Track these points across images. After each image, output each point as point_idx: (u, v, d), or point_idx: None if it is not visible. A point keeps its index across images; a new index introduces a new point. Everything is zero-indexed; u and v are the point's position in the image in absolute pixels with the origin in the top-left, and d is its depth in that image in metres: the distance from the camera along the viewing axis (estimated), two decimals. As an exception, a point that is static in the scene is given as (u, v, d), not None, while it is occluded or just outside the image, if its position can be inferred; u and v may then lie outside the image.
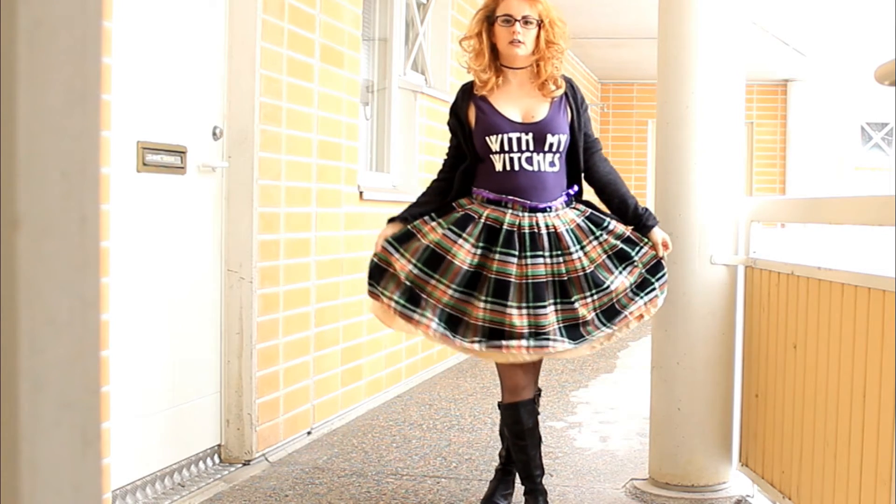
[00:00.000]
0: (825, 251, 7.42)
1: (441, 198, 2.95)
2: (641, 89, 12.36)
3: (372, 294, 2.89)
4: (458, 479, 3.50)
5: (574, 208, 2.91)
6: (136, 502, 3.06)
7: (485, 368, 5.70)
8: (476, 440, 4.07)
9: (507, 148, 2.82)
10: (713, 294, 3.26)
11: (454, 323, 2.78)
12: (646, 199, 11.25)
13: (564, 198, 2.89)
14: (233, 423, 3.60)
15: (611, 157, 3.15)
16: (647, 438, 3.52)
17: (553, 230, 2.80)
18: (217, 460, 3.59)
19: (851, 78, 11.59)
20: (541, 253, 2.77)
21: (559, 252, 2.79)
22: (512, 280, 2.73)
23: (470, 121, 2.90)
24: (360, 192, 4.59)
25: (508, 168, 2.83)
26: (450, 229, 2.82)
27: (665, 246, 2.93)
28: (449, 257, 2.78)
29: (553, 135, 2.84)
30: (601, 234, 2.86)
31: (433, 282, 2.78)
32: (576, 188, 2.95)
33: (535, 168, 2.83)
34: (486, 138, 2.84)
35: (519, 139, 2.82)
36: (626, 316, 2.82)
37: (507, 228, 2.78)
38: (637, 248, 2.88)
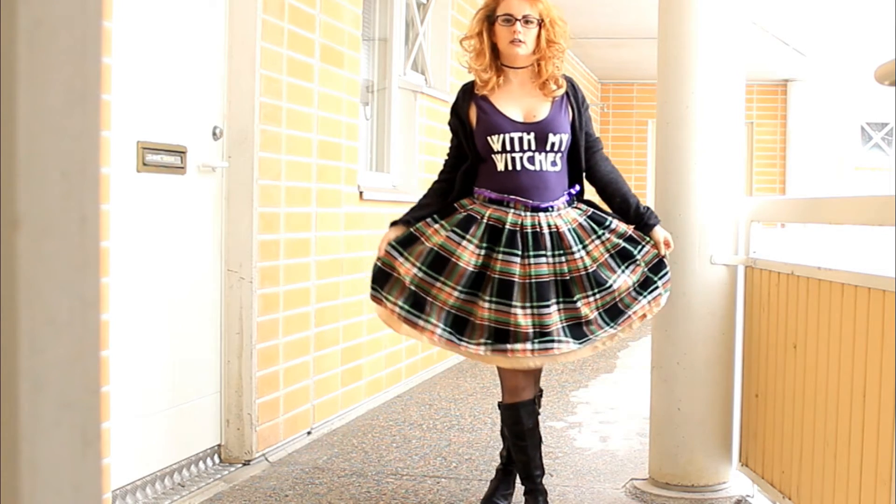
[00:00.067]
0: (825, 251, 7.42)
1: (442, 199, 2.94)
2: (641, 89, 12.36)
3: (375, 299, 2.88)
4: (458, 479, 3.50)
5: (576, 208, 2.91)
6: (136, 502, 3.06)
7: (485, 369, 5.70)
8: (476, 440, 4.07)
9: (508, 148, 2.82)
10: (713, 294, 3.26)
11: (460, 324, 2.78)
12: (646, 199, 11.25)
13: (566, 197, 2.89)
14: (233, 423, 3.60)
15: (611, 157, 3.15)
16: (647, 438, 3.52)
17: (555, 230, 2.80)
18: (217, 460, 3.59)
19: (851, 78, 11.59)
20: (543, 252, 2.77)
21: (561, 251, 2.79)
22: (515, 280, 2.73)
23: (471, 120, 2.90)
24: (360, 192, 4.59)
25: (510, 168, 2.82)
26: (453, 231, 2.82)
27: (667, 245, 2.93)
28: (454, 259, 2.77)
29: (555, 134, 2.84)
30: (603, 233, 2.86)
31: (438, 284, 2.78)
32: (577, 188, 2.95)
33: (537, 168, 2.83)
34: (488, 138, 2.83)
35: (521, 139, 2.82)
36: (629, 316, 2.82)
37: (509, 228, 2.78)
38: (639, 247, 2.88)
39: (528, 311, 2.72)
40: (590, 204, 2.95)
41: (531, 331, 2.71)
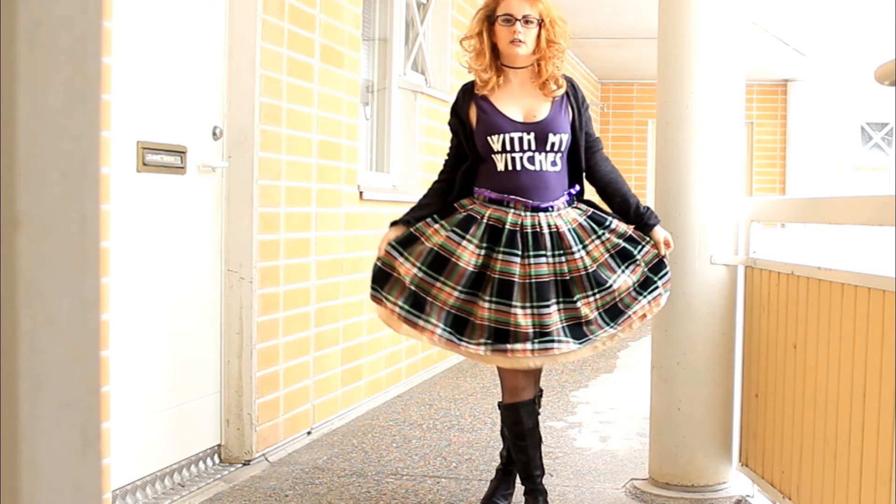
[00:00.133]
0: (825, 251, 7.42)
1: (442, 199, 2.94)
2: (641, 89, 12.36)
3: (375, 299, 2.88)
4: (458, 479, 3.50)
5: (576, 208, 2.91)
6: (136, 502, 3.06)
7: (485, 368, 5.70)
8: (476, 440, 4.07)
9: (508, 148, 2.82)
10: (713, 294, 3.26)
11: (460, 324, 2.78)
12: (646, 199, 11.25)
13: (566, 197, 2.89)
14: (233, 423, 3.60)
15: (611, 157, 3.15)
16: (647, 438, 3.52)
17: (555, 230, 2.80)
18: (217, 460, 3.59)
19: (851, 78, 11.59)
20: (543, 252, 2.77)
21: (561, 251, 2.79)
22: (515, 280, 2.73)
23: (471, 120, 2.90)
24: (360, 192, 4.59)
25: (510, 168, 2.82)
26: (453, 231, 2.82)
27: (667, 244, 2.93)
28: (454, 259, 2.77)
29: (555, 134, 2.84)
30: (603, 233, 2.86)
31: (438, 284, 2.78)
32: (577, 188, 2.95)
33: (537, 168, 2.83)
34: (488, 138, 2.83)
35: (521, 139, 2.82)
36: (629, 316, 2.82)
37: (509, 228, 2.77)
38: (639, 247, 2.88)
39: (528, 311, 2.72)
40: (590, 204, 2.95)
41: (531, 331, 2.71)
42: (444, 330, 2.77)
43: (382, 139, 5.25)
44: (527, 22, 2.84)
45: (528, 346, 2.70)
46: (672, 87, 3.31)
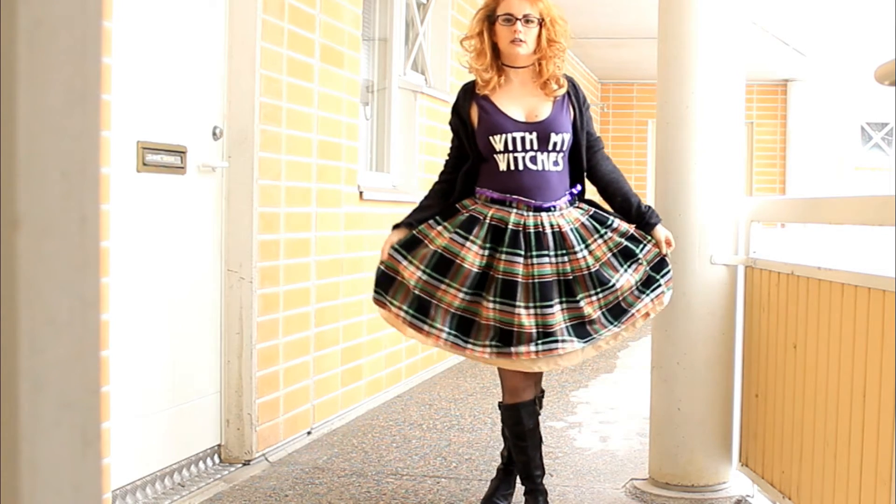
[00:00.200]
0: (825, 251, 7.42)
1: (444, 200, 2.94)
2: (641, 89, 12.36)
3: (379, 302, 2.88)
4: (458, 479, 3.50)
5: (578, 207, 2.91)
6: (136, 502, 3.06)
7: (485, 368, 5.70)
8: (476, 440, 4.07)
9: (511, 147, 2.82)
10: (713, 294, 3.26)
11: (466, 326, 2.78)
12: (646, 199, 11.24)
13: (568, 197, 2.89)
14: (233, 423, 3.60)
15: (611, 156, 3.15)
16: (647, 438, 3.52)
17: (557, 229, 2.80)
18: (217, 460, 3.59)
19: (851, 78, 11.59)
20: (546, 252, 2.77)
21: (564, 251, 2.79)
22: (519, 280, 2.73)
23: (473, 120, 2.89)
24: (360, 192, 4.59)
25: (512, 167, 2.82)
26: (456, 232, 2.81)
27: (668, 243, 2.93)
28: (458, 261, 2.77)
29: (557, 134, 2.84)
30: (606, 233, 2.86)
31: (443, 286, 2.77)
32: (579, 187, 2.95)
33: (540, 167, 2.83)
34: (490, 138, 2.83)
35: (523, 138, 2.82)
36: (633, 314, 2.82)
37: (512, 228, 2.77)
38: (641, 246, 2.88)
39: (532, 311, 2.72)
40: (591, 203, 2.95)
41: (534, 331, 2.71)
42: (450, 334, 2.77)
43: (382, 139, 5.25)
44: (527, 21, 2.84)
45: (532, 347, 2.70)
46: (672, 87, 3.31)
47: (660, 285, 2.88)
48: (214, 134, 3.50)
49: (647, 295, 2.85)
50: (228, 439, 3.60)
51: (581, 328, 2.77)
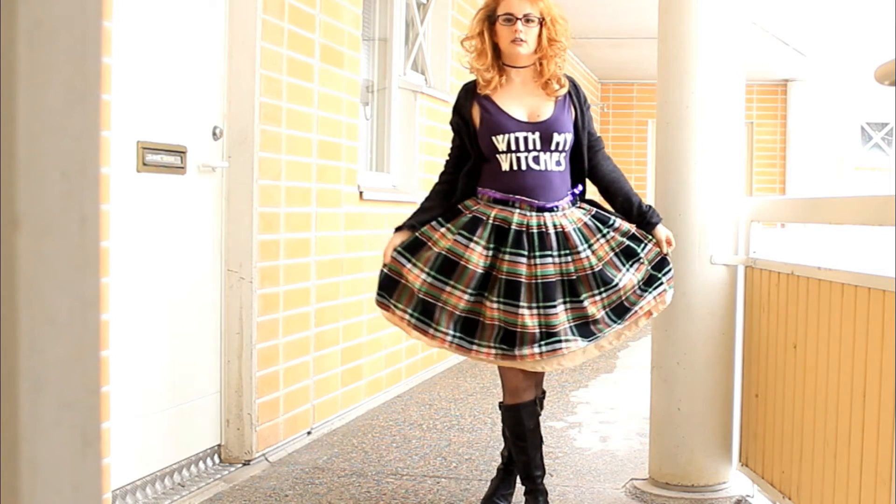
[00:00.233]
0: (825, 251, 7.42)
1: (446, 201, 2.93)
2: (641, 89, 12.36)
3: (382, 305, 2.87)
4: (458, 479, 3.50)
5: (580, 207, 2.91)
6: (136, 502, 3.06)
7: (485, 369, 5.70)
8: (476, 440, 4.07)
9: (514, 147, 2.81)
10: (713, 294, 3.26)
11: (471, 327, 2.77)
12: (646, 199, 11.22)
13: (570, 197, 2.89)
14: (233, 423, 3.60)
15: (611, 156, 3.15)
16: (647, 438, 3.52)
17: (561, 229, 2.80)
18: (217, 460, 3.59)
19: (851, 78, 11.59)
20: (549, 252, 2.77)
21: (567, 251, 2.79)
22: (522, 280, 2.73)
23: (474, 120, 2.89)
24: (360, 192, 4.59)
25: (515, 168, 2.82)
26: (460, 234, 2.80)
27: (668, 243, 2.94)
28: (462, 262, 2.76)
29: (559, 133, 2.84)
30: (608, 232, 2.86)
31: (448, 288, 2.77)
32: (580, 187, 2.95)
33: (542, 167, 2.83)
34: (493, 138, 2.83)
35: (526, 138, 2.82)
36: (635, 311, 2.82)
37: (515, 228, 2.77)
38: (642, 245, 2.89)
39: (535, 311, 2.72)
40: (592, 203, 2.95)
41: (538, 331, 2.71)
42: (455, 336, 2.77)
43: (382, 139, 5.25)
44: (528, 21, 2.83)
45: (536, 349, 2.70)
46: (672, 87, 3.31)
47: (661, 283, 2.88)
48: (214, 134, 3.50)
49: (650, 293, 2.85)
50: (228, 439, 3.60)
51: (585, 328, 2.77)
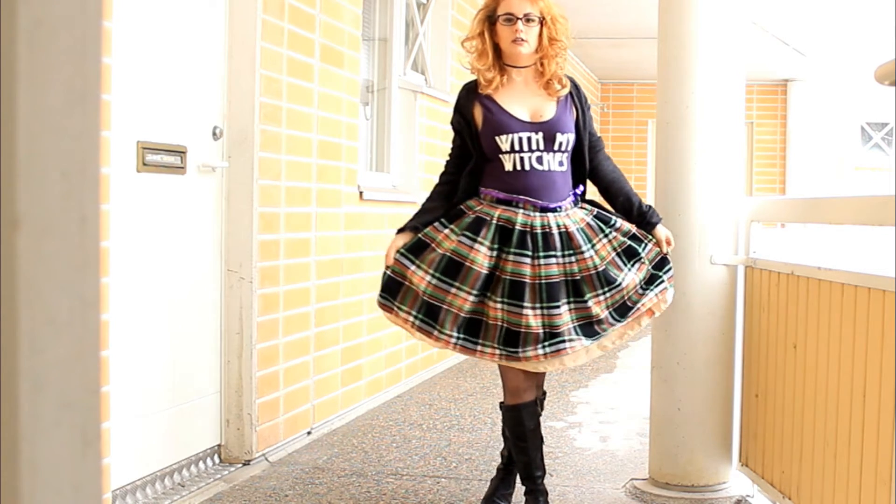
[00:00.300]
0: (825, 251, 7.42)
1: (447, 202, 2.92)
2: (641, 89, 12.36)
3: (385, 307, 2.86)
4: (458, 479, 3.50)
5: (581, 207, 2.91)
6: (136, 502, 3.06)
7: (485, 368, 5.70)
8: (476, 440, 4.07)
9: (517, 147, 2.81)
10: (713, 294, 3.26)
11: (475, 328, 2.77)
12: (646, 199, 11.23)
13: (572, 197, 2.89)
14: (233, 423, 3.60)
15: (611, 156, 3.15)
16: (647, 438, 3.52)
17: (564, 230, 2.80)
18: (217, 460, 3.59)
19: (851, 78, 11.59)
20: (553, 253, 2.77)
21: (571, 251, 2.79)
22: (526, 281, 2.73)
23: (476, 120, 2.88)
24: (360, 192, 4.59)
25: (518, 168, 2.81)
26: (464, 235, 2.80)
27: (668, 243, 2.94)
28: (468, 263, 2.76)
29: (562, 134, 2.84)
30: (610, 232, 2.86)
31: (453, 290, 2.76)
32: (581, 188, 2.95)
33: (545, 168, 2.82)
34: (496, 138, 2.82)
35: (529, 139, 2.81)
36: (638, 309, 2.83)
37: (519, 229, 2.77)
38: (643, 245, 2.89)
39: (539, 311, 2.72)
40: (593, 203, 2.96)
41: (541, 332, 2.71)
42: (459, 338, 2.77)
43: (382, 139, 5.25)
44: (528, 20, 2.83)
45: (540, 350, 2.70)
46: (672, 87, 3.31)
47: (663, 281, 2.88)
48: (214, 134, 3.50)
49: (651, 291, 2.86)
50: (228, 439, 3.60)
51: (589, 328, 2.78)
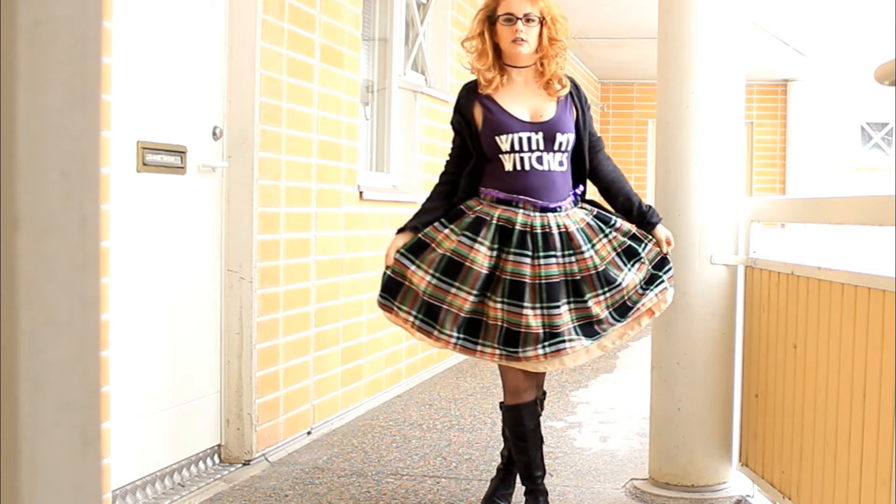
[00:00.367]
0: (825, 251, 7.42)
1: (447, 202, 2.93)
2: (641, 89, 12.36)
3: (385, 307, 2.86)
4: (458, 479, 3.50)
5: (581, 207, 2.91)
6: (136, 502, 3.06)
7: (485, 368, 5.70)
8: (476, 440, 4.07)
9: (517, 147, 2.81)
10: (713, 294, 3.26)
11: (475, 328, 2.77)
12: (646, 199, 11.23)
13: (572, 197, 2.89)
14: (233, 423, 3.60)
15: (611, 156, 3.15)
16: (647, 438, 3.52)
17: (564, 230, 2.80)
18: (217, 460, 3.59)
19: (851, 78, 11.59)
20: (553, 253, 2.77)
21: (571, 251, 2.79)
22: (526, 281, 2.73)
23: (476, 120, 2.88)
24: (360, 192, 4.59)
25: (519, 168, 2.81)
26: (464, 235, 2.80)
27: (668, 243, 2.94)
28: (468, 263, 2.76)
29: (562, 134, 2.84)
30: (610, 232, 2.86)
31: (454, 290, 2.76)
32: (581, 188, 2.95)
33: (546, 168, 2.82)
34: (496, 138, 2.82)
35: (529, 139, 2.81)
36: (638, 308, 2.83)
37: (519, 229, 2.77)
38: (643, 245, 2.89)
39: (538, 311, 2.72)
40: (593, 204, 2.96)
41: (541, 332, 2.71)
42: (460, 338, 2.77)
43: (382, 139, 5.25)
44: (528, 20, 2.83)
45: (540, 350, 2.70)
46: (672, 87, 3.31)
47: (663, 281, 2.88)
48: (214, 134, 3.51)
49: (652, 290, 2.86)
50: (228, 439, 3.60)
51: (589, 328, 2.78)
